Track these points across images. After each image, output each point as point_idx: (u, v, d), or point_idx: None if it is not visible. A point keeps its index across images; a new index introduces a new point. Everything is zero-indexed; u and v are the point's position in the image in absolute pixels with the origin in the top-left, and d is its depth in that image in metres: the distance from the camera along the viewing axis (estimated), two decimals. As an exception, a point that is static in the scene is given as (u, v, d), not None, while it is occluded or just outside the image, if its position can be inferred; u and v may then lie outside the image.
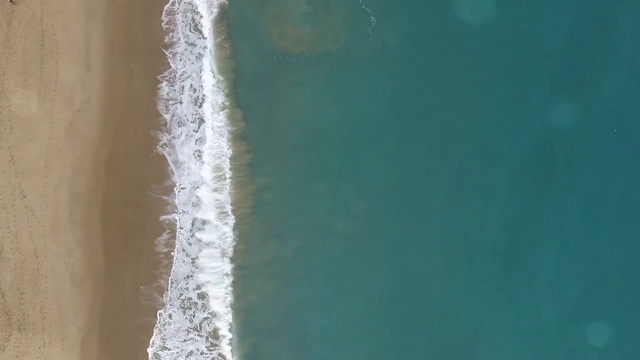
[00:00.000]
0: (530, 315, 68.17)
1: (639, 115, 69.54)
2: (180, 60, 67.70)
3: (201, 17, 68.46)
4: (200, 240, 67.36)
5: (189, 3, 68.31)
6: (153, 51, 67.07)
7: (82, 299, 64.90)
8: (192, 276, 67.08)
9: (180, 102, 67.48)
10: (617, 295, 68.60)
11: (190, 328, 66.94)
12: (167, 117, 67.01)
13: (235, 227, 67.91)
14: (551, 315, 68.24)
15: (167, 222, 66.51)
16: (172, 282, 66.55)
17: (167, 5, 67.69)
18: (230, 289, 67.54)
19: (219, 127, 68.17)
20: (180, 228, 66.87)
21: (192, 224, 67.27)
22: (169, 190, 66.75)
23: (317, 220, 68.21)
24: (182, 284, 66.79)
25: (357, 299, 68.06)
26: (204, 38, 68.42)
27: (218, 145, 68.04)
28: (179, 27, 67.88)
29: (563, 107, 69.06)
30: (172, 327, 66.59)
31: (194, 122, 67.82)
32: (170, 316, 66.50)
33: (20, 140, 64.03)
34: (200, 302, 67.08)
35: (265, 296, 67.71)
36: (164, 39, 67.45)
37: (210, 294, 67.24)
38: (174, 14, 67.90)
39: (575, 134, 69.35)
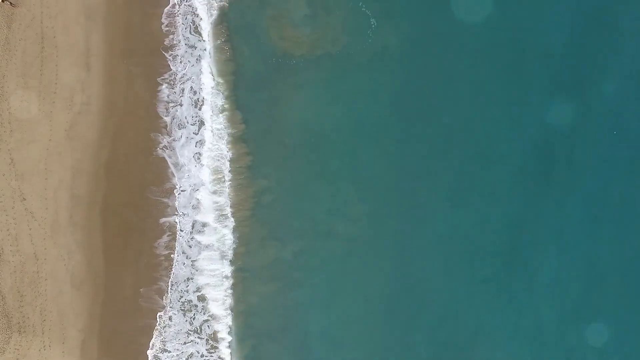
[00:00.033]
0: (530, 316, 68.16)
1: (639, 116, 69.64)
2: (181, 62, 67.77)
3: (201, 19, 68.56)
4: (199, 243, 67.32)
5: (189, 5, 68.41)
6: (153, 53, 67.15)
7: (82, 301, 64.83)
8: (192, 279, 67.03)
9: (181, 105, 67.53)
10: (617, 295, 68.63)
11: (190, 330, 66.86)
12: (167, 119, 67.04)
13: (235, 230, 67.89)
14: (551, 315, 68.23)
15: (168, 224, 66.48)
16: (172, 285, 66.49)
17: (168, 7, 67.80)
18: (229, 291, 67.47)
19: (218, 129, 68.19)
20: (181, 230, 66.84)
21: (192, 227, 67.25)
22: (169, 192, 66.74)
23: (317, 222, 68.23)
24: (182, 287, 66.73)
25: (356, 300, 68.03)
26: (204, 40, 68.52)
27: (218, 148, 68.06)
28: (179, 29, 67.97)
29: (563, 107, 69.18)
30: (172, 329, 66.51)
31: (194, 124, 67.86)
32: (170, 318, 66.42)
33: (20, 143, 64.05)
34: (200, 304, 67.02)
35: (265, 298, 67.68)
36: (164, 41, 67.53)
37: (209, 296, 67.17)
38: (174, 16, 67.98)
39: (575, 135, 69.43)
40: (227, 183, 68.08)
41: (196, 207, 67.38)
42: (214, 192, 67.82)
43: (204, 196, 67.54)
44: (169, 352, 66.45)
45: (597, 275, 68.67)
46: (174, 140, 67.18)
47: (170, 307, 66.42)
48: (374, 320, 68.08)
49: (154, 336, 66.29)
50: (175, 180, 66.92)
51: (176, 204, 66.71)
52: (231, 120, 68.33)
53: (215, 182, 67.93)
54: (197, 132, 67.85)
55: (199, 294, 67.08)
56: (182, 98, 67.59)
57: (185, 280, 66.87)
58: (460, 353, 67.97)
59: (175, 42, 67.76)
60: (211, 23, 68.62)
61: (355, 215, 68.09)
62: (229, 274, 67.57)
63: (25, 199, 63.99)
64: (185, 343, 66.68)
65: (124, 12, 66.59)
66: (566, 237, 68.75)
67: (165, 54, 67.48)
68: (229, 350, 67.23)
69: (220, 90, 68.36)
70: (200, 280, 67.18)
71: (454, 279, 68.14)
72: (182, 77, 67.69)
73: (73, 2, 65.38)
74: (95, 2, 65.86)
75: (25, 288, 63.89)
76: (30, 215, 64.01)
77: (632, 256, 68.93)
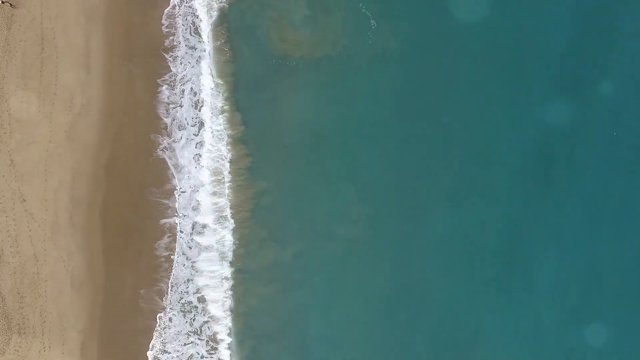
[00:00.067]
0: (530, 317, 68.19)
1: (639, 116, 69.79)
2: (181, 63, 67.72)
3: (201, 20, 68.50)
4: (199, 244, 67.33)
5: (189, 6, 68.34)
6: (153, 55, 67.11)
7: (82, 302, 64.83)
8: (192, 280, 67.04)
9: (181, 106, 67.50)
10: (617, 296, 68.64)
11: (190, 332, 66.88)
12: (167, 120, 67.00)
13: (235, 231, 67.88)
14: (551, 316, 68.25)
15: (168, 225, 66.48)
16: (172, 286, 66.50)
17: (168, 8, 67.75)
18: (229, 292, 67.47)
19: (218, 131, 68.16)
20: (181, 232, 66.83)
21: (193, 228, 67.25)
22: (170, 193, 66.73)
23: (317, 223, 68.24)
24: (183, 288, 66.75)
25: (356, 301, 68.05)
26: (204, 42, 68.45)
27: (217, 149, 68.03)
28: (180, 30, 67.91)
29: (562, 108, 69.19)
30: (172, 330, 66.52)
31: (194, 125, 67.84)
32: (170, 320, 66.43)
33: (20, 144, 63.99)
34: (200, 305, 67.03)
35: (264, 300, 67.66)
36: (164, 42, 67.50)
37: (208, 297, 67.19)
38: (175, 18, 67.92)
39: (575, 135, 69.47)
40: (227, 184, 68.08)
41: (196, 208, 67.40)
42: (214, 194, 67.83)
43: (204, 197, 67.55)
44: (169, 353, 66.46)
45: (597, 276, 68.66)
46: (174, 141, 67.15)
47: (171, 309, 66.44)
48: (374, 321, 68.12)
49: (154, 337, 66.30)
50: (176, 181, 66.91)
51: (176, 206, 66.70)
52: (231, 122, 68.32)
53: (215, 183, 67.93)
54: (197, 133, 67.84)
55: (199, 295, 67.11)
56: (182, 99, 67.56)
57: (185, 282, 66.88)
58: (460, 354, 68.03)
59: (175, 43, 67.72)
60: (211, 24, 68.57)
61: (355, 216, 68.13)
62: (229, 276, 67.57)
63: (25, 200, 63.95)
64: (185, 344, 66.69)
65: (124, 13, 66.53)
66: (566, 237, 68.73)
67: (166, 55, 67.43)
68: (228, 352, 67.24)
69: (220, 92, 68.33)
70: (200, 281, 67.20)
71: (454, 280, 68.15)
72: (182, 79, 67.65)
73: (73, 4, 65.32)
74: (95, 3, 65.81)
75: (25, 289, 63.87)
76: (30, 216, 63.97)
77: (632, 257, 68.94)
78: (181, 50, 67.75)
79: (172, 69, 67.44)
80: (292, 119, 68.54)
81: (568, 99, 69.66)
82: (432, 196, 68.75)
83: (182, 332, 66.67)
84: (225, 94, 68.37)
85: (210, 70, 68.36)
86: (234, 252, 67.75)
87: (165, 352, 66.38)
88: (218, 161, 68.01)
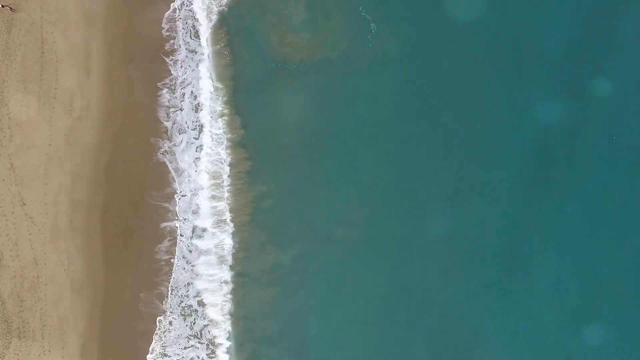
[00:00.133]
0: (530, 318, 68.31)
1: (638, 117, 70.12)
2: (181, 67, 67.74)
3: (200, 24, 68.51)
4: (199, 248, 67.35)
5: (189, 10, 68.36)
6: (153, 58, 67.14)
7: (82, 306, 64.81)
8: (192, 283, 67.04)
9: (181, 109, 67.51)
10: (616, 297, 68.77)
11: (190, 335, 66.89)
12: (167, 124, 67.01)
13: (235, 235, 67.91)
14: (551, 317, 68.36)
15: (168, 229, 66.50)
16: (172, 289, 66.50)
17: (168, 12, 67.79)
18: (228, 296, 67.47)
19: (217, 134, 68.18)
20: (181, 235, 66.83)
21: (193, 231, 67.26)
22: (170, 197, 66.74)
23: (316, 227, 68.31)
24: (183, 291, 66.75)
25: (356, 304, 68.12)
26: (203, 45, 68.47)
27: (217, 153, 68.05)
28: (180, 34, 67.92)
29: (562, 109, 69.39)
30: (172, 334, 66.52)
31: (194, 129, 67.87)
32: (170, 323, 66.42)
33: (20, 148, 63.96)
34: (200, 309, 67.04)
35: (264, 303, 67.68)
36: (165, 46, 67.53)
37: (207, 301, 67.19)
38: (175, 21, 67.93)
39: (574, 136, 69.62)
40: (227, 188, 68.11)
41: (196, 212, 67.41)
42: (214, 197, 67.86)
43: (204, 201, 67.57)
44: (169, 356, 66.44)
45: (597, 277, 68.77)
46: (174, 145, 67.16)
47: (171, 312, 66.43)
48: (374, 324, 68.19)
49: (154, 340, 66.29)
50: (176, 185, 66.93)
51: (177, 209, 66.72)
52: (230, 125, 68.35)
53: (215, 187, 67.96)
54: (197, 137, 67.87)
55: (199, 298, 67.11)
56: (182, 103, 67.58)
57: (185, 285, 66.88)
58: (460, 356, 68.12)
59: (175, 46, 67.75)
60: (210, 28, 68.59)
61: (355, 219, 68.18)
62: (229, 279, 67.60)
63: (25, 204, 63.91)
64: (185, 348, 66.70)
65: (124, 17, 66.58)
66: (566, 238, 68.88)
67: (166, 58, 67.45)
68: (227, 356, 67.22)
69: (219, 95, 68.34)
70: (200, 285, 67.20)
71: (454, 282, 68.23)
72: (182, 82, 67.68)
73: (73, 7, 65.33)
74: (95, 7, 65.86)
75: (25, 293, 63.81)
76: (30, 220, 63.94)
77: (632, 257, 69.04)
78: (182, 54, 67.77)
79: (172, 72, 67.47)
80: (292, 122, 68.59)
81: (567, 99, 69.84)
82: (432, 197, 68.86)
83: (182, 336, 66.67)
84: (225, 98, 68.41)
85: (210, 74, 68.37)
86: (234, 255, 67.79)
87: (165, 355, 66.36)
88: (217, 164, 68.03)
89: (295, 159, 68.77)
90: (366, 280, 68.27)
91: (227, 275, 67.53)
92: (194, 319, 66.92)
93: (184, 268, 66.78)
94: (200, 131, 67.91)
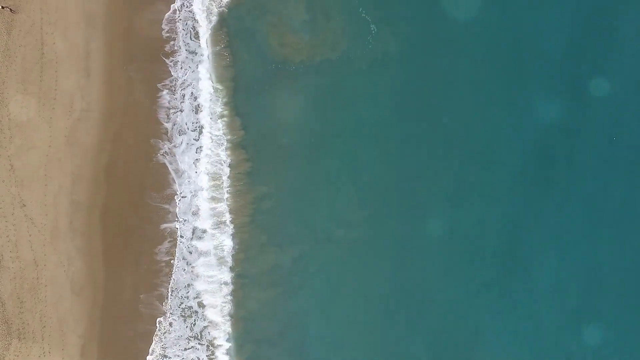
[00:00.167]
0: (530, 318, 68.31)
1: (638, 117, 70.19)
2: (181, 68, 67.70)
3: (200, 25, 68.47)
4: (199, 249, 67.34)
5: (190, 11, 68.31)
6: (153, 59, 67.09)
7: (82, 307, 64.81)
8: (192, 285, 67.03)
9: (181, 111, 67.47)
10: (616, 297, 68.79)
11: (190, 336, 66.88)
12: (168, 125, 66.98)
13: (235, 236, 67.91)
14: (551, 317, 68.37)
15: (168, 230, 66.49)
16: (172, 291, 66.48)
17: (168, 13, 67.75)
18: (228, 297, 67.47)
19: (217, 135, 68.15)
20: (181, 236, 66.82)
21: (193, 233, 67.25)
22: (170, 198, 66.71)
23: (316, 228, 68.31)
24: (183, 292, 66.74)
25: (356, 306, 68.14)
26: (203, 46, 68.43)
27: (217, 154, 68.03)
28: (180, 35, 67.87)
29: (562, 109, 69.42)
30: (172, 335, 66.52)
31: (194, 130, 67.83)
32: (170, 324, 66.41)
33: (20, 149, 63.95)
34: (200, 310, 67.03)
35: (264, 304, 67.69)
36: (165, 47, 67.48)
37: (207, 302, 67.18)
38: (175, 22, 67.89)
39: (574, 136, 69.61)
40: (227, 189, 68.09)
41: (196, 213, 67.39)
42: (214, 199, 67.84)
43: (204, 202, 67.55)
44: (169, 358, 66.44)
45: (597, 277, 68.79)
46: (174, 146, 67.12)
47: (171, 313, 66.43)
48: (374, 325, 68.21)
49: (154, 342, 66.29)
50: (176, 186, 66.90)
51: (177, 210, 66.70)
52: (230, 127, 68.31)
53: (215, 188, 67.93)
54: (197, 138, 67.84)
55: (199, 300, 67.10)
56: (182, 104, 67.54)
57: (185, 287, 66.88)
58: (460, 357, 68.13)
59: (176, 48, 67.70)
60: (210, 29, 68.54)
61: (355, 220, 68.18)
62: (228, 280, 67.59)
63: (25, 205, 63.91)
64: (185, 349, 66.69)
65: (124, 18, 66.55)
66: (566, 238, 68.88)
67: (166, 59, 67.42)
68: (227, 357, 67.20)
69: (219, 97, 68.31)
70: (200, 286, 67.19)
71: (454, 282, 68.26)
72: (182, 83, 67.65)
73: (73, 8, 65.31)
74: (95, 8, 65.84)
75: (25, 294, 63.82)
76: (30, 221, 63.93)
77: (632, 257, 69.00)
78: (182, 55, 67.73)
79: (172, 73, 67.43)
80: (291, 123, 68.56)
81: (567, 99, 69.82)
82: (432, 197, 68.86)
83: (183, 337, 66.67)
84: (225, 99, 68.37)
85: (210, 75, 68.32)
86: (234, 256, 67.80)
87: (165, 357, 66.37)
88: (217, 166, 68.00)
89: (295, 160, 68.76)
90: (366, 280, 68.27)
91: (227, 276, 67.54)
92: (194, 320, 66.92)
93: (184, 269, 66.77)
94: (200, 132, 67.89)
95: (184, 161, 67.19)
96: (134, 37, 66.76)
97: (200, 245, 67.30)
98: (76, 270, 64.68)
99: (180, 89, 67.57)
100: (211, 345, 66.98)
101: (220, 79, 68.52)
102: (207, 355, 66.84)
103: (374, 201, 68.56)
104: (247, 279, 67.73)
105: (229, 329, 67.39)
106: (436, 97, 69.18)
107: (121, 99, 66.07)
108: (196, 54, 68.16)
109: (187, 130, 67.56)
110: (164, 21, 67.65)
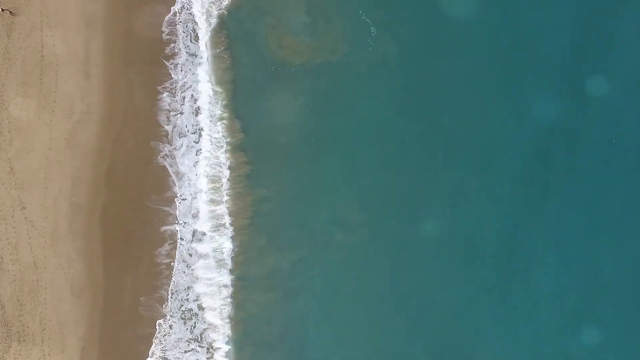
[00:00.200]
0: (529, 320, 68.35)
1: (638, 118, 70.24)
2: (182, 70, 67.69)
3: (199, 28, 68.45)
4: (199, 252, 67.35)
5: (189, 13, 68.31)
6: (154, 62, 67.08)
7: (82, 309, 64.80)
8: (192, 287, 67.04)
9: (182, 113, 67.48)
10: (616, 300, 68.90)
11: (190, 339, 66.89)
12: (168, 128, 66.98)
13: (234, 238, 67.88)
14: (550, 319, 68.43)
15: (169, 232, 66.49)
16: (172, 293, 66.50)
17: (169, 15, 67.73)
18: (228, 300, 67.46)
19: (217, 138, 68.13)
20: (181, 239, 66.84)
21: (193, 235, 67.25)
22: (170, 201, 66.73)
23: (316, 230, 68.29)
24: (183, 295, 66.76)
25: (355, 308, 68.16)
26: (202, 49, 68.43)
27: (216, 157, 68.03)
28: (180, 37, 67.87)
29: (562, 111, 69.50)
30: (172, 337, 66.53)
31: (194, 133, 67.83)
32: (170, 327, 66.43)
33: (20, 152, 63.94)
34: (201, 313, 67.03)
35: (263, 307, 67.68)
36: (165, 49, 67.48)
37: (206, 305, 67.17)
38: (175, 25, 67.89)
39: (574, 138, 69.68)
40: (226, 192, 68.09)
41: (196, 215, 67.39)
42: (213, 201, 67.84)
43: (204, 205, 67.55)
44: (169, 360, 66.71)
45: (597, 279, 68.94)
46: (174, 148, 67.12)
47: (171, 316, 66.44)
48: (373, 328, 68.21)
49: (154, 344, 66.29)
50: (176, 188, 66.91)
51: (177, 213, 66.71)
52: (230, 129, 68.30)
53: (214, 190, 67.93)
54: (197, 140, 67.83)
55: (199, 302, 67.11)
56: (182, 106, 67.54)
57: (185, 289, 66.90)
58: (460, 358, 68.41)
59: (176, 50, 67.69)
60: (210, 31, 68.52)
61: (354, 223, 68.21)
62: (228, 283, 67.58)
63: (25, 208, 63.90)
64: (185, 351, 66.70)
65: (124, 21, 66.52)
66: (565, 240, 69.01)
67: (166, 62, 67.42)
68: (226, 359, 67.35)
69: (218, 99, 68.30)
70: (199, 288, 67.19)
71: (453, 285, 68.35)
72: (182, 86, 67.64)
73: (73, 11, 65.30)
74: (95, 10, 65.82)
75: (25, 297, 63.81)
76: (29, 223, 63.92)
77: (632, 259, 69.10)
78: (182, 57, 67.72)
79: (172, 76, 67.41)
80: (291, 126, 68.57)
81: (567, 100, 69.92)
82: (431, 200, 68.94)
83: (183, 339, 66.69)
84: (224, 102, 68.35)
85: (209, 78, 68.31)
86: (233, 259, 67.77)
87: (165, 359, 66.35)
88: (216, 168, 68.00)
89: (295, 162, 68.78)
90: (366, 283, 68.30)
91: (226, 279, 67.55)
92: (194, 323, 66.93)
93: (184, 272, 66.80)
94: (200, 135, 67.89)
95: (184, 164, 67.21)
96: (134, 39, 66.76)
97: (200, 247, 67.32)
98: (76, 272, 64.69)
99: (181, 92, 67.57)
100: (211, 348, 67.01)
101: (219, 81, 68.51)
102: (206, 358, 66.85)
103: (373, 204, 68.59)
104: (246, 281, 67.73)
105: (229, 332, 67.38)
106: (436, 99, 69.26)
107: (121, 101, 66.07)
108: (196, 56, 68.17)
109: (187, 132, 67.57)
110: (164, 24, 67.64)
